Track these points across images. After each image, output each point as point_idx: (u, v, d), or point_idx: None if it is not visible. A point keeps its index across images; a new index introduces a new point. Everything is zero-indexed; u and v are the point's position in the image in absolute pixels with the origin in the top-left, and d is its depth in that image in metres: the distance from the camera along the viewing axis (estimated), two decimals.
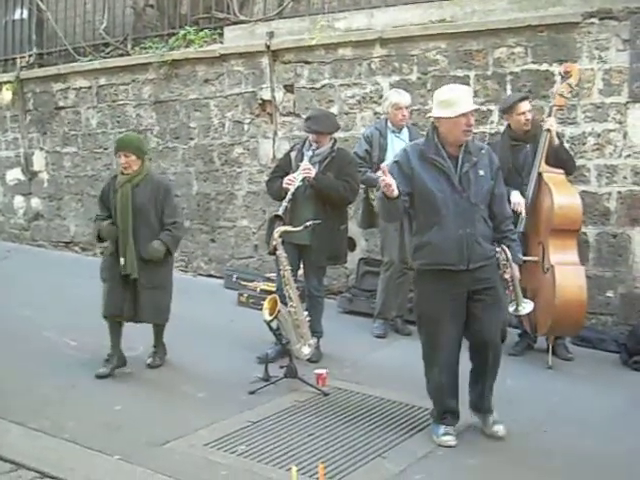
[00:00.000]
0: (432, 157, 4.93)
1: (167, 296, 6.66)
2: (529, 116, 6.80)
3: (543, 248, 6.60)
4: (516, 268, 5.12)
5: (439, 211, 4.89)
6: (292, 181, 6.48)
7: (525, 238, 6.72)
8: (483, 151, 5.06)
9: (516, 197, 6.70)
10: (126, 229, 6.35)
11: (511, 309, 5.22)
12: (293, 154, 6.86)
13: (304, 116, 7.94)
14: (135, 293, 6.40)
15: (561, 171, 6.72)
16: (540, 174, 6.67)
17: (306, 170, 6.50)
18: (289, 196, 6.44)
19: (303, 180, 6.49)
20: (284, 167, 6.84)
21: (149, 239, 6.37)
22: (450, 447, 4.95)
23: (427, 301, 5.08)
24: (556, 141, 6.71)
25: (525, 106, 6.82)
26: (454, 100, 4.90)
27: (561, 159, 6.75)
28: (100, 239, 6.56)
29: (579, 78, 7.02)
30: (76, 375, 6.26)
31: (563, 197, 6.58)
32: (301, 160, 6.65)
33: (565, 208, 6.56)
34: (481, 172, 4.95)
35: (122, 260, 6.32)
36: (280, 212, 6.38)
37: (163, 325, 6.70)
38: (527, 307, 5.21)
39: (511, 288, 5.10)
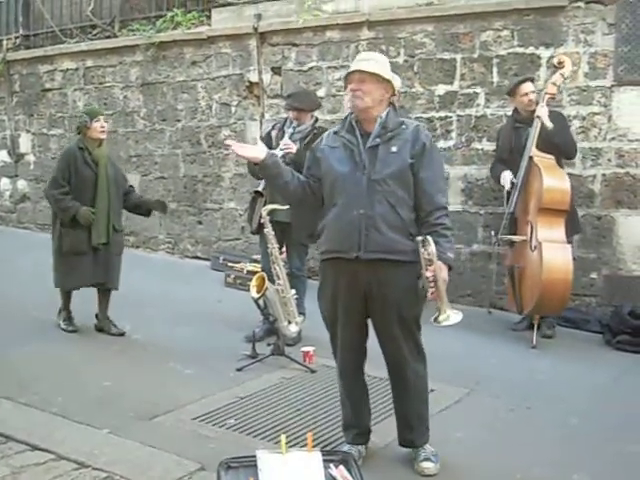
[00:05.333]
0: (341, 135, 4.32)
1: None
2: (532, 97, 7.01)
3: (531, 227, 6.74)
4: (444, 269, 4.09)
5: (337, 191, 4.26)
6: None
7: (515, 219, 7.00)
8: (404, 126, 4.25)
9: (506, 175, 7.04)
10: (106, 200, 6.73)
11: (431, 319, 4.16)
12: (274, 133, 6.86)
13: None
14: (105, 261, 6.78)
15: (551, 156, 6.86)
16: (531, 157, 6.83)
17: (287, 147, 6.50)
18: None
19: (284, 157, 6.45)
20: (265, 146, 6.80)
21: (118, 208, 6.90)
22: None
23: (324, 296, 4.44)
24: (549, 126, 6.79)
25: (528, 87, 7.05)
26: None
27: (554, 143, 6.86)
28: (71, 220, 6.64)
29: (571, 69, 7.14)
30: (64, 352, 6.31)
31: (552, 178, 6.74)
32: (282, 138, 6.65)
33: (553, 188, 6.71)
34: (393, 148, 4.18)
35: (104, 229, 6.71)
36: (260, 188, 6.41)
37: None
38: (453, 318, 4.13)
39: (432, 291, 4.07)
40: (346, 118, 4.39)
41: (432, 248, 4.02)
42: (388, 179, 4.16)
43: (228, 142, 4.60)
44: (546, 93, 6.94)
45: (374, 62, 4.25)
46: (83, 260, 6.67)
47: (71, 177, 6.65)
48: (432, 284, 4.06)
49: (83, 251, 6.65)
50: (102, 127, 6.75)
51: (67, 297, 6.90)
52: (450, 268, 4.15)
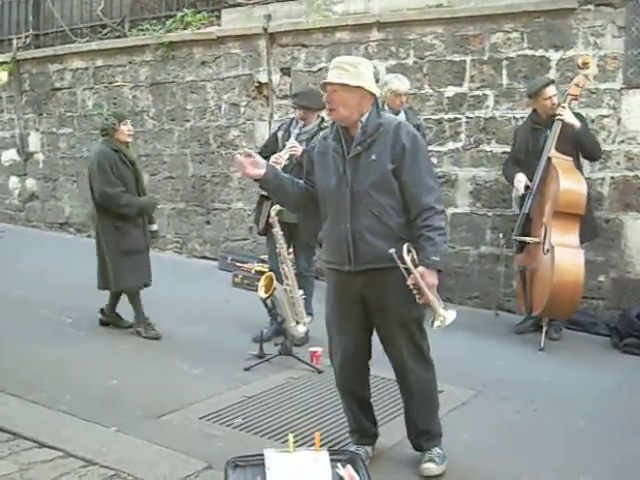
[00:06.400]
0: (329, 141, 4.28)
1: None
2: (555, 100, 6.94)
3: (545, 229, 6.73)
4: (427, 274, 4.03)
5: (327, 204, 4.27)
6: (278, 160, 6.43)
7: (529, 220, 6.95)
8: (382, 129, 4.15)
9: (519, 177, 6.97)
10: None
11: (429, 324, 4.17)
12: (280, 133, 6.85)
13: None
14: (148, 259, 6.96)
15: (570, 158, 6.84)
16: (549, 159, 6.80)
17: (293, 148, 6.49)
18: None
19: (290, 158, 6.47)
20: (271, 147, 6.80)
21: None
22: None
23: (326, 303, 4.47)
24: (577, 125, 6.82)
25: (551, 90, 6.97)
26: None
27: (583, 144, 6.90)
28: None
29: (595, 71, 7.19)
30: (72, 351, 6.31)
31: (570, 182, 6.71)
32: (288, 139, 6.63)
33: (570, 191, 6.69)
34: (373, 156, 4.11)
35: (155, 227, 6.98)
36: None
37: None
38: (448, 319, 4.09)
39: (417, 297, 4.05)
40: (334, 123, 4.32)
41: (406, 257, 4.00)
42: (370, 189, 4.11)
43: (237, 157, 4.40)
44: (569, 94, 6.90)
45: (341, 70, 4.13)
46: (142, 258, 6.79)
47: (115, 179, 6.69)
48: (416, 291, 4.04)
49: (143, 249, 6.81)
50: (129, 130, 6.86)
51: (138, 296, 6.89)
52: (439, 271, 4.08)
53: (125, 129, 6.78)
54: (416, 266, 4.04)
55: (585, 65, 6.91)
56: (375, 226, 4.11)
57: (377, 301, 4.21)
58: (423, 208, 4.09)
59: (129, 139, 6.89)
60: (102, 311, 7.04)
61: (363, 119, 4.17)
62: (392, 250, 4.00)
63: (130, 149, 6.94)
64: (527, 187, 6.93)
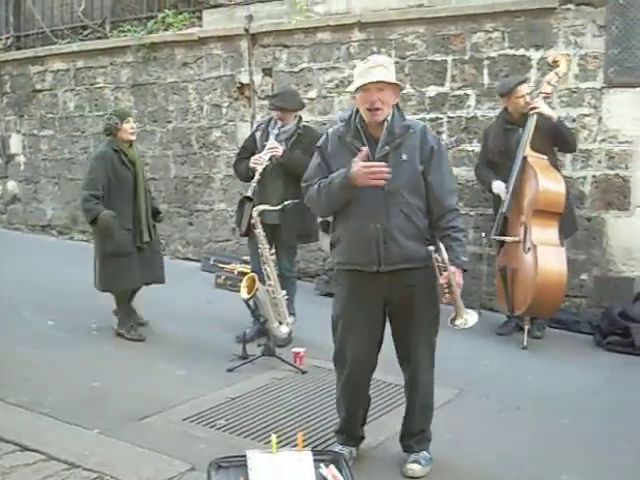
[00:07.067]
0: (348, 140, 4.21)
1: None
2: (528, 99, 6.94)
3: (525, 228, 6.72)
4: (459, 273, 4.14)
5: (350, 202, 4.17)
6: (259, 161, 6.46)
7: (507, 219, 6.93)
8: (412, 130, 4.17)
9: (500, 186, 6.97)
10: (143, 200, 6.75)
11: (448, 320, 4.24)
12: (258, 134, 6.82)
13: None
14: (152, 259, 6.86)
15: (545, 156, 6.84)
16: (525, 157, 6.78)
17: (273, 149, 6.48)
18: (257, 176, 6.42)
19: (271, 159, 6.46)
20: (250, 148, 6.79)
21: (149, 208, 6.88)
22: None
23: (339, 304, 4.39)
24: (554, 116, 6.83)
25: (524, 89, 6.98)
26: (358, 72, 4.18)
27: (562, 135, 6.88)
28: (91, 223, 6.61)
29: (567, 68, 7.21)
30: (54, 353, 6.28)
31: (548, 180, 6.70)
32: (267, 139, 6.61)
33: (549, 190, 6.68)
34: (404, 156, 4.12)
35: (146, 228, 6.75)
36: (249, 194, 6.39)
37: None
38: (470, 321, 4.22)
39: (447, 296, 4.14)
40: (349, 120, 4.26)
41: (444, 255, 4.06)
42: (402, 189, 4.11)
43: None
44: (541, 92, 6.92)
45: (384, 70, 4.12)
46: (130, 261, 6.62)
47: (110, 180, 6.57)
48: (447, 290, 4.11)
49: (129, 252, 6.61)
50: (132, 128, 6.77)
51: (124, 299, 6.84)
52: (464, 271, 4.18)
53: (128, 127, 6.70)
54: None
55: (555, 63, 6.98)
56: (405, 226, 4.13)
57: (402, 300, 4.22)
58: (447, 210, 4.20)
59: (132, 137, 6.81)
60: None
61: (388, 118, 4.16)
62: (432, 248, 4.07)
63: (132, 148, 6.86)
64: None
